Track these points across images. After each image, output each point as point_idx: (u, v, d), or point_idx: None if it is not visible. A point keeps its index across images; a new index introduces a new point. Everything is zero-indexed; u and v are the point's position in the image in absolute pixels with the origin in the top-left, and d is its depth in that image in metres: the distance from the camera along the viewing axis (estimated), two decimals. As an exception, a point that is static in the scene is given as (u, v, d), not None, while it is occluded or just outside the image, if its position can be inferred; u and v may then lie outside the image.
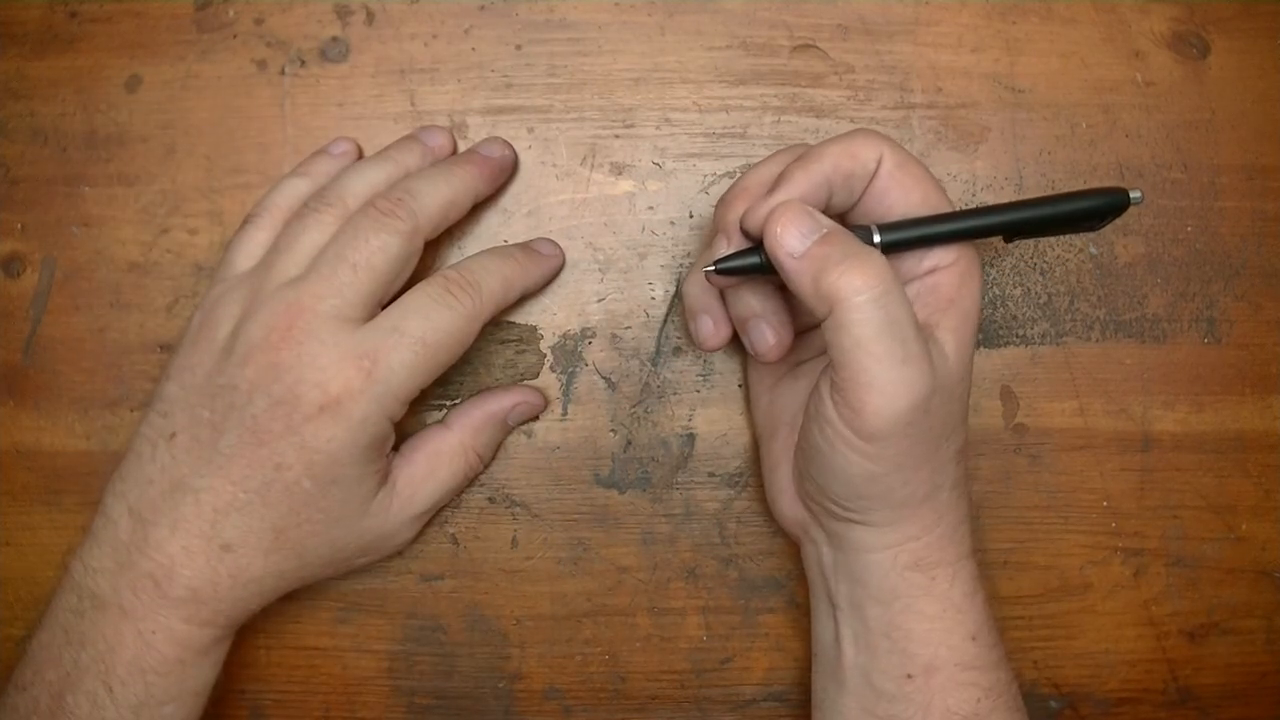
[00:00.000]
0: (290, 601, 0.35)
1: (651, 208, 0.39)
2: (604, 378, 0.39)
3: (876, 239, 0.32)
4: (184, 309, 0.39)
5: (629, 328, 0.39)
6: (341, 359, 0.32)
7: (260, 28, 0.40)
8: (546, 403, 0.39)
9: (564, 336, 0.39)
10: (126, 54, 0.40)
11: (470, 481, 0.38)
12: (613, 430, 0.39)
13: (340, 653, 0.39)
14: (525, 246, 0.38)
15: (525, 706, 0.39)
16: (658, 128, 0.39)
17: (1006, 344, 0.39)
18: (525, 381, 0.39)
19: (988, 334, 0.39)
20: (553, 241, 0.39)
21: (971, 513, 0.33)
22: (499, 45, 0.39)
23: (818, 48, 0.40)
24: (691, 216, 0.39)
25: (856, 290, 0.29)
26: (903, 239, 0.32)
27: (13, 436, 0.39)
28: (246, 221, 0.36)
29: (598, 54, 0.39)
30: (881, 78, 0.39)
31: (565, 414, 0.39)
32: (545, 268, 0.38)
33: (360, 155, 0.39)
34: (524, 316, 0.39)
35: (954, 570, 0.32)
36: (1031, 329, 0.39)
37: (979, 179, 0.39)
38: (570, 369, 0.39)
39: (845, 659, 0.33)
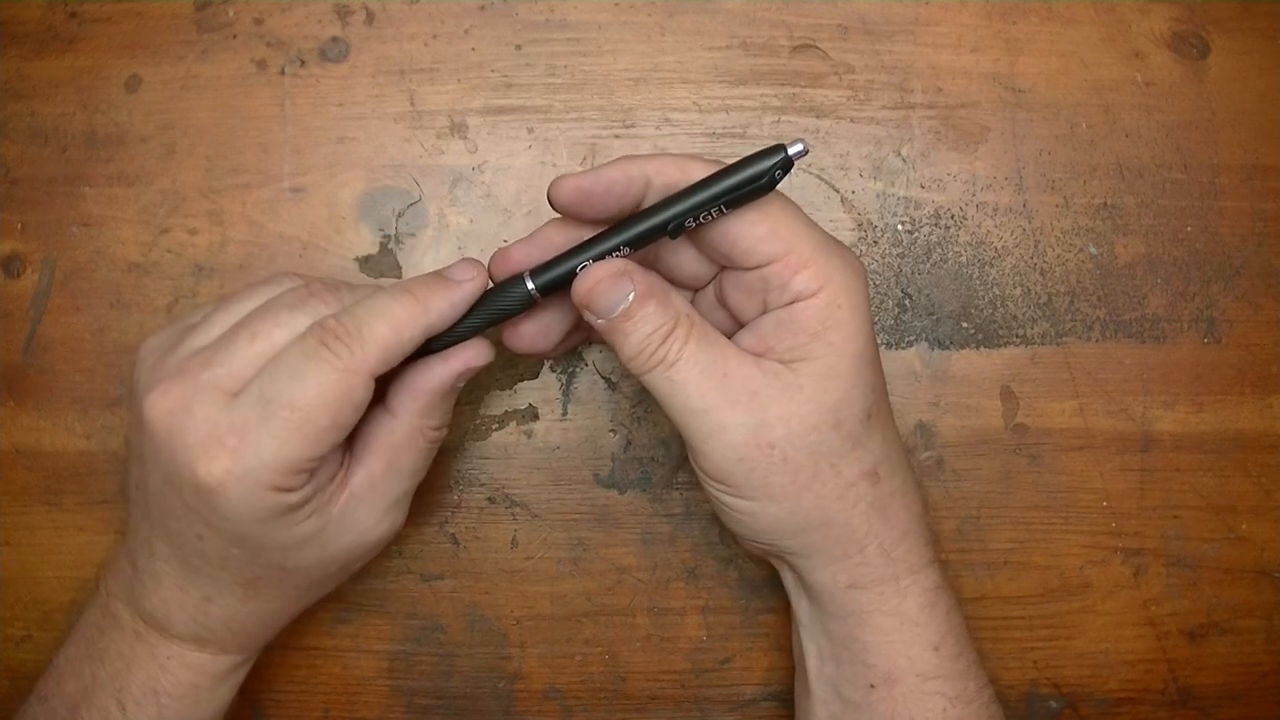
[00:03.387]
0: (290, 601, 0.35)
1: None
2: (604, 378, 0.39)
3: (530, 286, 0.31)
4: (184, 309, 0.39)
5: (629, 328, 0.39)
6: (207, 438, 0.29)
7: (260, 28, 0.40)
8: (491, 351, 0.33)
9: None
10: (126, 54, 0.40)
11: (434, 452, 0.34)
12: (613, 430, 0.39)
13: (340, 653, 0.39)
14: (432, 276, 0.32)
15: (525, 706, 0.39)
16: (658, 128, 0.39)
17: (1006, 344, 0.39)
18: (524, 382, 0.39)
19: (987, 334, 0.39)
20: (473, 262, 0.32)
21: (921, 526, 0.32)
22: (499, 45, 0.39)
23: (818, 48, 0.40)
24: (691, 216, 0.39)
25: (650, 368, 0.30)
26: (553, 277, 0.31)
27: (13, 436, 0.39)
28: (246, 289, 0.33)
29: (598, 54, 0.39)
30: (881, 78, 0.39)
31: (565, 414, 0.39)
32: (452, 298, 0.31)
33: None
34: (524, 316, 0.39)
35: (901, 585, 0.32)
36: (1031, 329, 0.39)
37: (979, 179, 0.39)
38: (570, 369, 0.39)
39: (811, 670, 0.34)
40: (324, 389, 0.29)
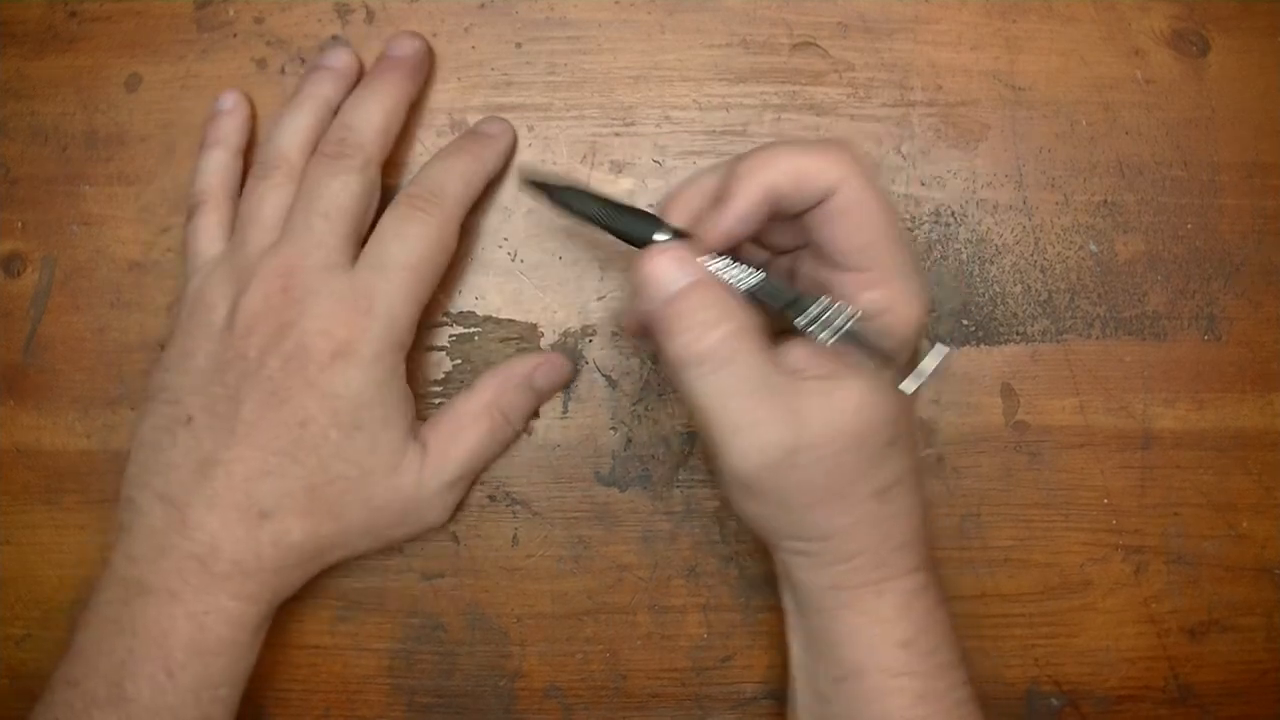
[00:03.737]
0: (291, 600, 0.35)
1: (652, 206, 0.39)
2: (604, 375, 0.39)
3: (658, 237, 0.31)
4: (184, 308, 0.39)
5: (629, 326, 0.39)
6: (340, 305, 0.33)
7: (260, 27, 0.40)
8: (573, 368, 0.38)
9: (565, 334, 0.39)
10: (126, 53, 0.40)
11: (504, 446, 0.38)
12: (613, 428, 0.39)
13: (340, 651, 0.39)
14: (473, 134, 0.38)
15: (526, 705, 0.39)
16: (658, 126, 0.39)
17: (1007, 341, 0.39)
18: (525, 380, 0.39)
19: (987, 331, 0.39)
20: (499, 119, 0.38)
21: (916, 539, 0.32)
22: (499, 43, 0.39)
23: (818, 45, 0.40)
24: (691, 215, 0.39)
25: (693, 360, 0.30)
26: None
27: (13, 436, 0.39)
28: (192, 211, 0.37)
29: (598, 52, 0.40)
30: (881, 75, 0.39)
31: (566, 412, 0.39)
32: (498, 148, 0.37)
33: (249, 101, 0.38)
34: (524, 314, 0.39)
35: (880, 588, 0.32)
36: (1032, 326, 0.39)
37: (979, 176, 0.39)
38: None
39: (794, 659, 0.34)
40: (428, 243, 0.34)
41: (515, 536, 0.39)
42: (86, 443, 0.39)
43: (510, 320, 0.39)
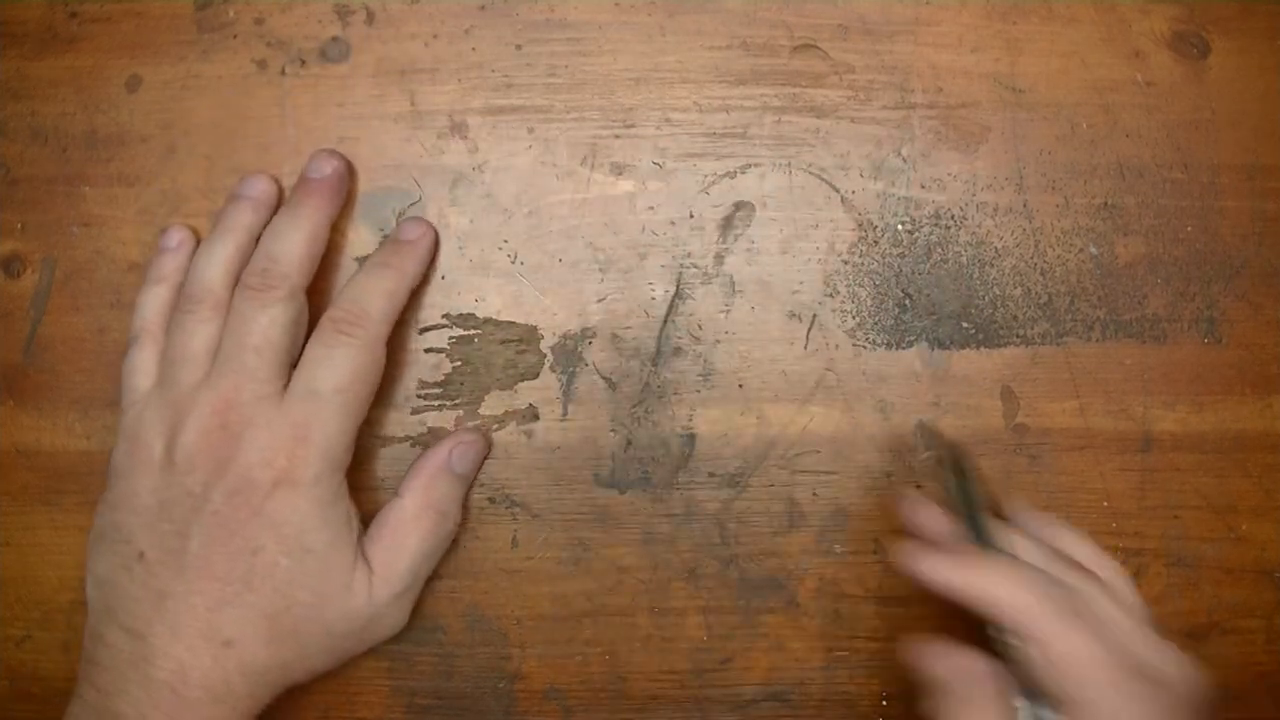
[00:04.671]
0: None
1: (652, 208, 0.39)
2: (604, 378, 0.39)
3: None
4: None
5: (629, 328, 0.39)
6: (277, 435, 0.33)
7: (260, 28, 0.40)
8: (488, 441, 0.39)
9: (564, 336, 0.39)
10: (126, 54, 0.40)
11: (448, 540, 0.38)
12: (613, 430, 0.39)
13: (340, 653, 0.39)
14: (393, 244, 0.38)
15: (525, 706, 0.39)
16: (658, 128, 0.39)
17: (1007, 344, 0.39)
18: (524, 382, 0.39)
19: (988, 334, 0.39)
20: (418, 220, 0.38)
21: None
22: (499, 45, 0.39)
23: (818, 48, 0.40)
24: (692, 216, 0.39)
25: None
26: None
27: (13, 436, 0.39)
28: (130, 345, 0.37)
29: (598, 54, 0.39)
30: (882, 78, 0.39)
31: (565, 414, 0.39)
32: (419, 256, 0.38)
33: (194, 238, 0.38)
34: (524, 316, 0.39)
35: None
36: (1032, 329, 0.39)
37: (979, 179, 0.39)
38: (570, 369, 0.39)
39: None
40: (356, 366, 0.34)
41: (515, 538, 0.39)
42: (86, 443, 0.39)
43: (510, 322, 0.39)
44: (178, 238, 0.38)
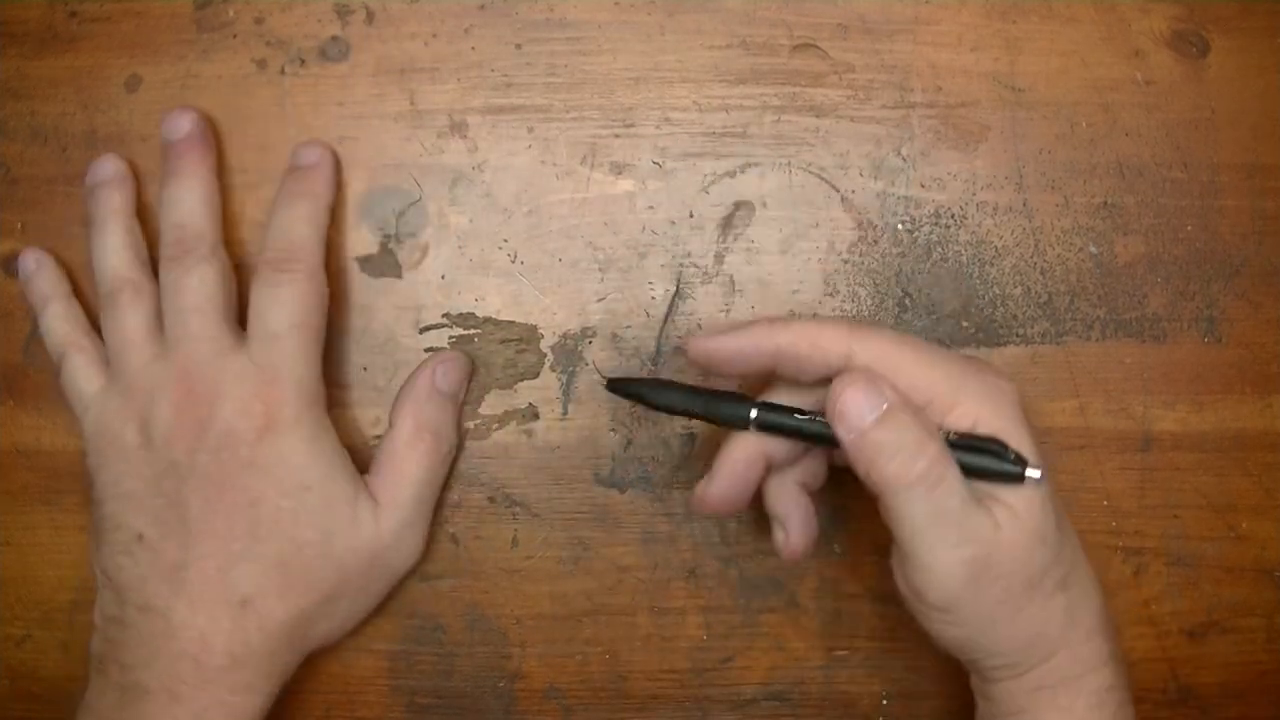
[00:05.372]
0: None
1: (651, 207, 0.39)
2: (604, 377, 0.39)
3: (752, 414, 0.32)
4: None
5: (629, 327, 0.39)
6: (247, 383, 0.34)
7: (260, 27, 0.40)
8: (469, 358, 0.38)
9: (564, 336, 0.39)
10: (126, 54, 0.40)
11: (447, 463, 0.38)
12: (613, 430, 0.39)
13: (340, 652, 0.39)
14: (295, 172, 0.37)
15: (525, 706, 0.39)
16: (658, 127, 0.39)
17: (1006, 343, 0.39)
18: (524, 381, 0.39)
19: (988, 333, 0.39)
20: (312, 144, 0.38)
21: (1102, 623, 0.32)
22: (499, 44, 0.39)
23: (817, 47, 0.40)
24: (692, 216, 0.39)
25: (905, 485, 0.29)
26: (775, 424, 0.32)
27: (13, 436, 0.39)
28: (59, 362, 0.37)
29: (598, 53, 0.39)
30: (881, 77, 0.39)
31: (565, 414, 0.39)
32: (325, 176, 0.37)
33: (48, 254, 0.38)
34: (524, 316, 0.39)
35: (1078, 686, 0.32)
36: (1031, 328, 0.39)
37: (979, 178, 0.39)
38: (570, 368, 0.39)
39: None
40: (304, 298, 0.35)
41: (515, 538, 0.39)
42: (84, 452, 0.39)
43: (510, 322, 0.39)
44: (34, 259, 0.38)
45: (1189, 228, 0.40)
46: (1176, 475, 0.39)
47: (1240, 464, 0.39)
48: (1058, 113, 0.39)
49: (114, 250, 0.36)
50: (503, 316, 0.39)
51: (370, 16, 0.40)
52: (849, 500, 0.39)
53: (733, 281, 0.39)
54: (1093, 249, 0.39)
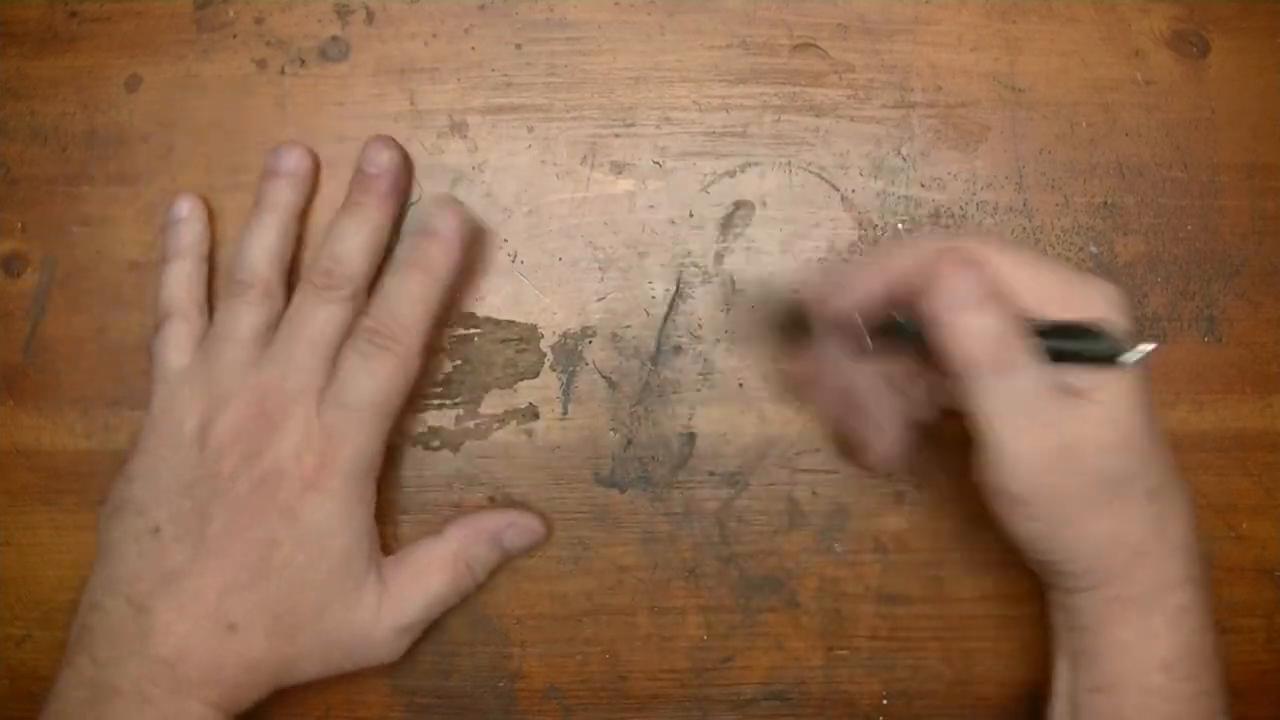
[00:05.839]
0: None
1: (652, 206, 0.39)
2: (604, 377, 0.39)
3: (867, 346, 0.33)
4: (184, 308, 0.39)
5: (629, 326, 0.39)
6: (313, 434, 0.34)
7: (260, 27, 0.40)
8: (545, 531, 0.38)
9: (564, 335, 0.39)
10: (126, 54, 0.40)
11: (462, 596, 0.37)
12: (613, 429, 0.39)
13: (340, 652, 0.39)
14: (423, 242, 0.35)
15: (525, 706, 0.39)
16: (658, 126, 0.39)
17: (1007, 343, 0.39)
18: (524, 381, 0.39)
19: (988, 333, 0.39)
20: (445, 208, 0.36)
21: (1190, 541, 0.32)
22: (499, 44, 0.39)
23: (818, 47, 0.40)
24: (691, 215, 0.39)
25: (987, 370, 0.30)
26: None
27: (13, 436, 0.39)
28: (160, 323, 0.37)
29: (598, 53, 0.40)
30: (881, 77, 0.39)
31: (565, 413, 0.39)
32: (451, 251, 0.35)
33: (207, 206, 0.38)
34: (524, 315, 0.39)
35: (1152, 603, 0.32)
36: (1032, 328, 0.39)
37: (979, 178, 0.39)
38: (570, 368, 0.39)
39: (1056, 671, 0.34)
40: (395, 380, 0.34)
41: (515, 537, 0.39)
42: (86, 443, 0.39)
43: (510, 321, 0.39)
44: (188, 206, 0.38)
45: (1189, 228, 0.40)
46: (1177, 475, 0.39)
47: (1240, 464, 0.39)
48: (1058, 113, 0.39)
49: (265, 247, 0.36)
50: (503, 316, 0.39)
51: (370, 16, 0.40)
52: (849, 500, 0.39)
53: (733, 281, 0.39)
54: (1093, 249, 0.39)
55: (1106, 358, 0.30)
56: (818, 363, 0.35)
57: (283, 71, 0.40)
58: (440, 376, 0.39)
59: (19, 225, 0.40)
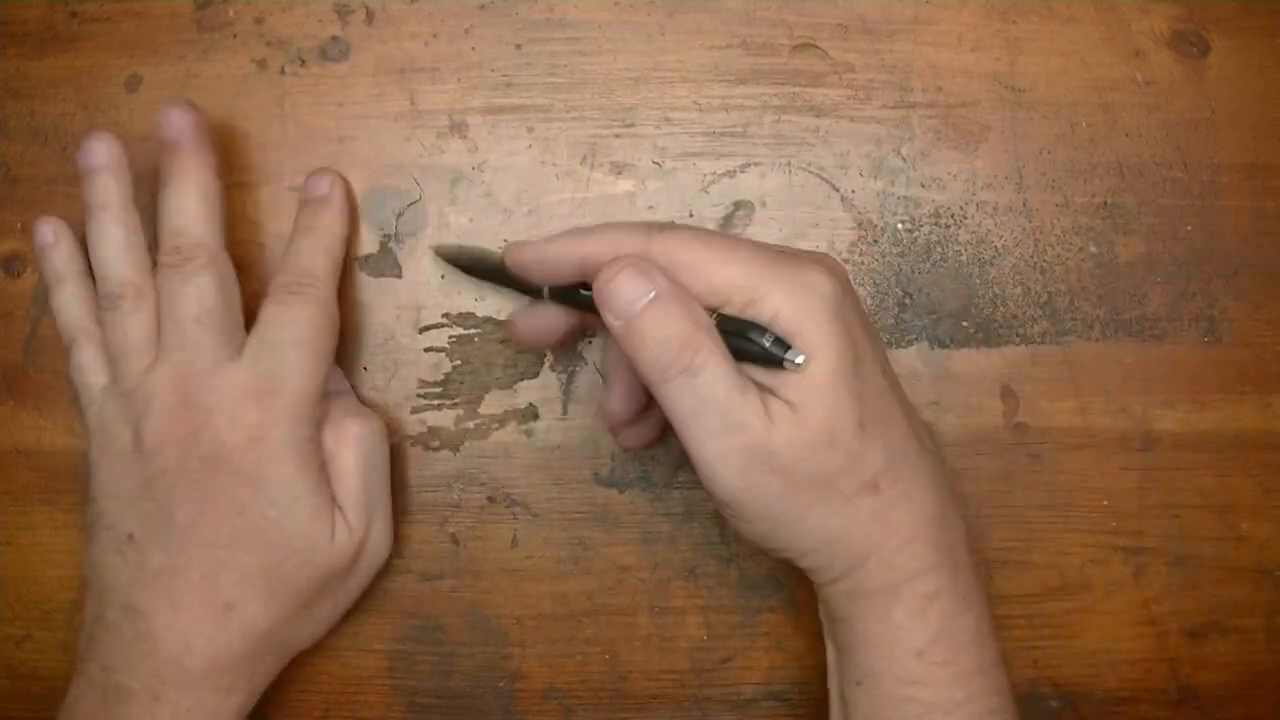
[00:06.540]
0: (290, 601, 0.35)
1: (651, 207, 0.39)
2: (605, 377, 0.39)
3: (545, 293, 0.33)
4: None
5: (629, 327, 0.39)
6: (243, 393, 0.34)
7: (260, 27, 0.40)
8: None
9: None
10: (126, 54, 0.40)
11: (381, 439, 0.37)
12: (613, 429, 0.39)
13: (340, 652, 0.39)
14: (309, 204, 0.38)
15: (525, 706, 0.39)
16: (658, 127, 0.39)
17: (1006, 343, 0.39)
18: (524, 381, 0.39)
19: (988, 333, 0.39)
20: (322, 174, 0.38)
21: (928, 531, 0.31)
22: (499, 45, 0.39)
23: (818, 47, 0.40)
24: (691, 215, 0.39)
25: (672, 373, 0.29)
26: (566, 297, 0.33)
27: (13, 436, 0.39)
28: (68, 348, 0.37)
29: (598, 53, 0.40)
30: (881, 77, 0.39)
31: (566, 413, 0.39)
32: (337, 207, 0.38)
33: (65, 226, 0.38)
34: (524, 316, 0.39)
35: (895, 594, 0.31)
36: (1032, 328, 0.39)
37: (979, 178, 0.39)
38: (570, 368, 0.39)
39: (829, 662, 0.34)
40: (313, 318, 0.35)
41: (515, 538, 0.39)
42: (86, 443, 0.39)
43: (510, 321, 0.39)
44: (52, 230, 0.37)
45: (1189, 228, 0.40)
46: (1177, 475, 0.39)
47: (1240, 464, 0.39)
48: (1058, 113, 0.39)
49: (119, 250, 0.36)
50: (502, 316, 0.39)
51: (370, 16, 0.40)
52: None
53: (733, 281, 0.39)
54: (1093, 249, 0.39)
55: (776, 359, 0.29)
56: (541, 319, 0.35)
57: (283, 71, 0.40)
58: (440, 376, 0.39)
59: (19, 225, 0.40)
